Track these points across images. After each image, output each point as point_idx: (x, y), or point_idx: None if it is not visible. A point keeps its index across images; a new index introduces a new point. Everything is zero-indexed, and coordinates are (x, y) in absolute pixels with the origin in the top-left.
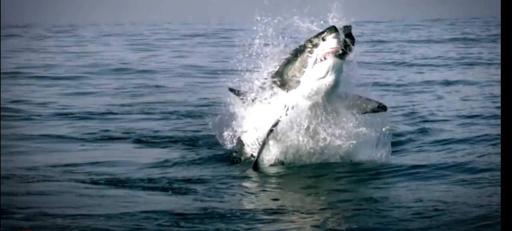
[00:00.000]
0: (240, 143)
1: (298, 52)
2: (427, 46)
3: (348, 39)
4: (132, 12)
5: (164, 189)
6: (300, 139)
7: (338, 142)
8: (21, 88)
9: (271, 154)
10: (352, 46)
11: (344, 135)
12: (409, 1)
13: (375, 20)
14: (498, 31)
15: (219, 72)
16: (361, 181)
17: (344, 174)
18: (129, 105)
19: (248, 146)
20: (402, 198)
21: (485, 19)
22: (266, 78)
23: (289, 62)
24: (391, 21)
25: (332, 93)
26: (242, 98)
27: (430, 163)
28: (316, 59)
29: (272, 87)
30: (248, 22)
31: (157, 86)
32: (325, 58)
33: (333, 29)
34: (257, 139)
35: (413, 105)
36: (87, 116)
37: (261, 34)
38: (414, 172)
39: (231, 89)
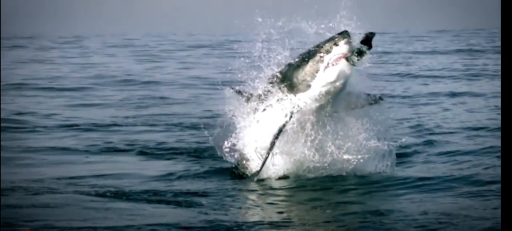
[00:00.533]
0: (242, 157)
1: (308, 56)
2: (432, 57)
3: (364, 46)
4: (137, 23)
5: (169, 202)
6: (306, 152)
7: (347, 156)
8: (26, 99)
9: (278, 167)
10: (367, 53)
11: (353, 149)
12: (413, 13)
13: (379, 31)
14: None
15: (220, 83)
16: (366, 193)
17: (349, 187)
18: (134, 117)
19: (250, 160)
20: (407, 211)
21: (491, 31)
22: (270, 83)
23: (299, 66)
24: (395, 32)
25: (338, 95)
26: (246, 97)
27: (436, 175)
28: (328, 64)
29: (278, 93)
30: (253, 33)
31: (162, 97)
32: (336, 63)
33: (345, 34)
34: (255, 149)
35: (419, 117)
36: (92, 128)
37: (263, 36)
38: (419, 184)
39: (233, 89)
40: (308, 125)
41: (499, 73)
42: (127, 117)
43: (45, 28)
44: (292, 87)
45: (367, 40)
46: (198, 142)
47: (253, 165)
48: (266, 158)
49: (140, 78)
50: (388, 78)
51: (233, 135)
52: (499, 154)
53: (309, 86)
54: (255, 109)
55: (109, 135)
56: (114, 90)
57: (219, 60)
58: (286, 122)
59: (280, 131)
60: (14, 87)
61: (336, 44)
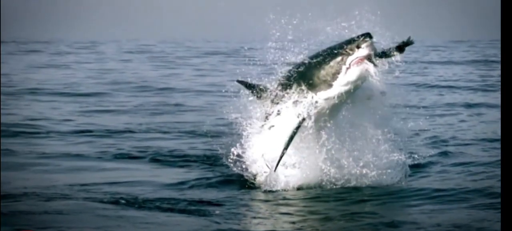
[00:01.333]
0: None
1: (330, 56)
2: (448, 68)
3: (395, 51)
4: (154, 29)
5: (182, 211)
6: (322, 165)
7: (365, 171)
8: (41, 104)
9: (290, 179)
10: (393, 56)
11: (371, 162)
12: (429, 23)
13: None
14: None
15: (233, 92)
16: (380, 204)
17: (362, 197)
18: (148, 123)
19: (257, 174)
20: (421, 222)
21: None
22: (286, 82)
23: (320, 65)
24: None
25: (355, 92)
26: (257, 91)
27: (450, 186)
28: (349, 66)
29: (295, 92)
30: (267, 37)
31: (176, 104)
32: (358, 64)
33: (368, 36)
34: (266, 159)
35: (434, 128)
36: (106, 134)
37: (277, 34)
38: (434, 195)
39: (241, 82)
40: (323, 134)
41: None
42: (141, 124)
43: (61, 33)
44: (312, 86)
45: (402, 46)
46: (211, 150)
47: (264, 177)
48: (281, 157)
49: (155, 84)
50: (405, 88)
51: (242, 142)
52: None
53: (330, 85)
54: (267, 114)
55: (122, 141)
56: (129, 97)
57: (234, 67)
58: (303, 121)
59: (297, 129)
60: (29, 92)
61: (358, 47)
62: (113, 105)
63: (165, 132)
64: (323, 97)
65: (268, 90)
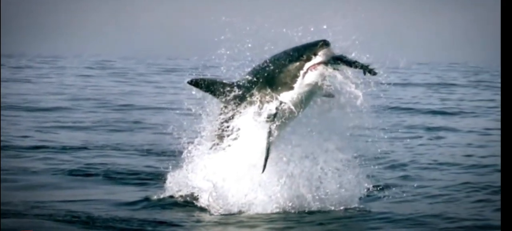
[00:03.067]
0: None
1: (289, 61)
2: (408, 90)
3: (359, 68)
4: (117, 46)
5: None
6: (278, 187)
7: (324, 193)
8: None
9: (247, 201)
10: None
11: (331, 185)
12: (389, 45)
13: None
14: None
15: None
16: (339, 227)
17: (321, 220)
18: (105, 140)
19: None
20: None
21: (467, 65)
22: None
23: (280, 68)
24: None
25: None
26: (216, 92)
27: (408, 211)
28: (306, 70)
29: (259, 93)
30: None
31: (135, 122)
32: (315, 69)
33: (325, 44)
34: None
35: (394, 151)
36: (62, 151)
37: (229, 35)
38: (394, 219)
39: (194, 82)
40: (281, 155)
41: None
42: (98, 141)
43: (23, 47)
44: (275, 87)
45: (365, 69)
46: (167, 169)
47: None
48: (266, 161)
49: (115, 101)
50: (366, 110)
51: (188, 162)
52: (472, 190)
53: (291, 88)
54: (226, 119)
55: (78, 158)
56: (88, 113)
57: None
58: (273, 124)
59: (270, 134)
60: None
61: (315, 54)
62: (71, 121)
63: (121, 150)
64: (285, 98)
65: (232, 85)
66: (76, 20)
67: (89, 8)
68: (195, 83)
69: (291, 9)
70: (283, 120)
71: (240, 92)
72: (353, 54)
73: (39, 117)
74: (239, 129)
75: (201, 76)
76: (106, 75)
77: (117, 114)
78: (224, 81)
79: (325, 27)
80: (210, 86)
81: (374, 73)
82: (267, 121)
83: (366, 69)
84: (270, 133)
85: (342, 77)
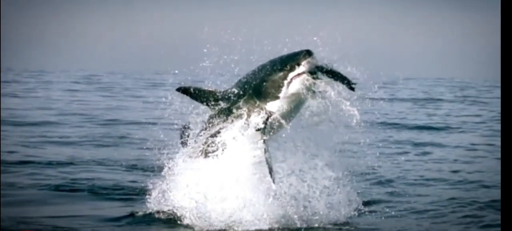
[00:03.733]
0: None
1: (273, 71)
2: (394, 105)
3: (339, 81)
4: (104, 60)
5: None
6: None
7: (313, 209)
8: None
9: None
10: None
11: (319, 200)
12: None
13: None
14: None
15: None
16: None
17: None
18: (91, 156)
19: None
20: None
21: (453, 80)
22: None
23: (265, 77)
24: (357, 78)
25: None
26: (206, 100)
27: (396, 228)
28: (290, 80)
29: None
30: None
31: (121, 137)
32: (298, 78)
33: (307, 54)
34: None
35: (380, 166)
36: (48, 166)
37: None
38: None
39: (183, 90)
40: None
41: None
42: (84, 156)
43: (10, 62)
44: (261, 98)
45: (346, 84)
46: (152, 184)
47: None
48: (272, 173)
49: (102, 116)
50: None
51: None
52: (458, 206)
53: (277, 97)
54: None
55: (64, 173)
56: (74, 127)
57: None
58: (265, 136)
59: (266, 147)
60: None
61: (298, 64)
62: (57, 136)
63: (107, 165)
64: (272, 108)
65: (220, 93)
66: (63, 35)
67: (76, 23)
68: (184, 90)
69: (275, 22)
70: (273, 131)
71: (225, 106)
72: (335, 65)
73: (25, 132)
74: (224, 145)
75: (190, 85)
76: (93, 90)
77: (104, 129)
78: (212, 89)
79: (315, 39)
80: (198, 93)
81: (352, 88)
82: (257, 132)
83: (345, 82)
84: (265, 146)
85: (334, 93)
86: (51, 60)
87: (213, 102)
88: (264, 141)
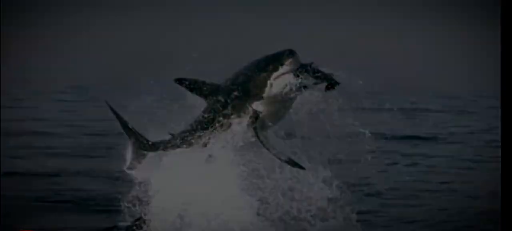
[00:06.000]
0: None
1: (257, 72)
2: (380, 115)
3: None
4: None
5: None
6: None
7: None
8: None
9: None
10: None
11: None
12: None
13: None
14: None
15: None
16: None
17: None
18: (78, 166)
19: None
20: None
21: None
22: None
23: (250, 77)
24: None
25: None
26: (202, 91)
27: None
28: (274, 79)
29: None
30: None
31: (108, 148)
32: (282, 76)
33: (291, 54)
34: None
35: (367, 177)
36: (35, 177)
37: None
38: None
39: (181, 81)
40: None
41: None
42: (70, 167)
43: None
44: (247, 98)
45: (329, 82)
46: (139, 197)
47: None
48: (279, 157)
49: (89, 126)
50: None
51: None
52: (447, 216)
53: (261, 98)
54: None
55: (50, 184)
56: (62, 138)
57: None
58: (261, 134)
59: (265, 141)
60: None
61: (281, 64)
62: (45, 146)
63: (94, 176)
64: (258, 108)
65: (214, 86)
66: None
67: (64, 33)
68: (180, 81)
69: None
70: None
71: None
72: (316, 64)
73: (11, 142)
74: (210, 156)
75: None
76: (81, 101)
77: (91, 139)
78: (207, 81)
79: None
80: (194, 85)
81: (332, 86)
82: (252, 129)
83: (328, 80)
84: (256, 132)
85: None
86: (39, 69)
87: (207, 94)
88: (254, 129)
